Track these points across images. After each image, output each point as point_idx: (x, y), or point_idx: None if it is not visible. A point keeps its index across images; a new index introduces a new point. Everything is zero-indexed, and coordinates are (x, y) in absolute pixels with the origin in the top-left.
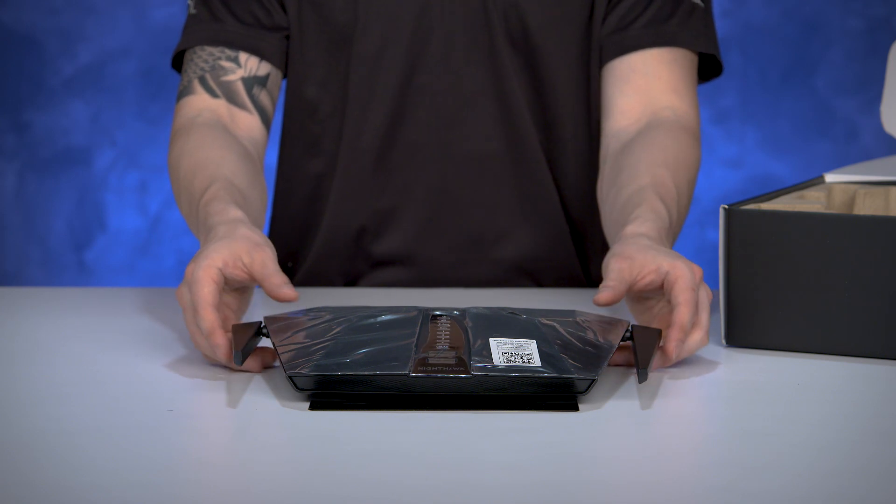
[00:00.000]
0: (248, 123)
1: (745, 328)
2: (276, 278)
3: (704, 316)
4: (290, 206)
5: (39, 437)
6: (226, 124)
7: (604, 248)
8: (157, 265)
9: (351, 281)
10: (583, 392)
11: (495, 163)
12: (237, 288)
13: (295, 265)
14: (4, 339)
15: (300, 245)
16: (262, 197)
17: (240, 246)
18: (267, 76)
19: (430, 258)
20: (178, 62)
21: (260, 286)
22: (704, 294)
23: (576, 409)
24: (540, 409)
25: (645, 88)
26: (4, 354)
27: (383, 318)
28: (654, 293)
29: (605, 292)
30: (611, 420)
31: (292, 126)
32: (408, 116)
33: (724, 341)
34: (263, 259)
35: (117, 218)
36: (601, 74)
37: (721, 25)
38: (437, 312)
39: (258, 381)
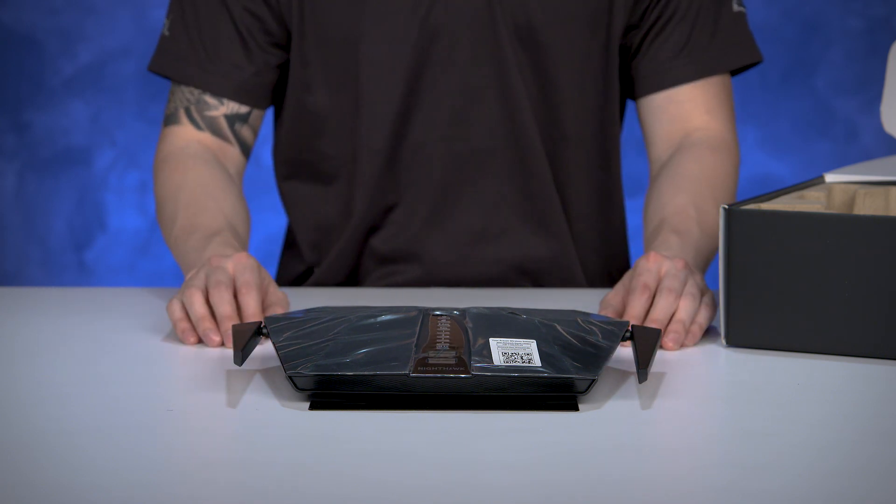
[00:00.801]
0: (230, 154)
1: (745, 328)
2: (276, 308)
3: (667, 281)
4: (308, 215)
5: (39, 437)
6: (217, 156)
7: (605, 247)
8: (157, 265)
9: (358, 278)
10: (583, 392)
11: (498, 160)
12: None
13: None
14: (4, 339)
15: (319, 247)
16: (248, 227)
17: (271, 279)
18: (249, 112)
19: (432, 255)
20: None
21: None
22: (665, 267)
23: (576, 409)
24: (540, 409)
25: (681, 114)
26: (4, 354)
27: (383, 318)
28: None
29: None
30: (611, 420)
31: (299, 134)
32: (414, 115)
33: (724, 341)
34: (283, 298)
35: (117, 218)
36: (638, 103)
37: None
38: (437, 312)
39: (258, 381)
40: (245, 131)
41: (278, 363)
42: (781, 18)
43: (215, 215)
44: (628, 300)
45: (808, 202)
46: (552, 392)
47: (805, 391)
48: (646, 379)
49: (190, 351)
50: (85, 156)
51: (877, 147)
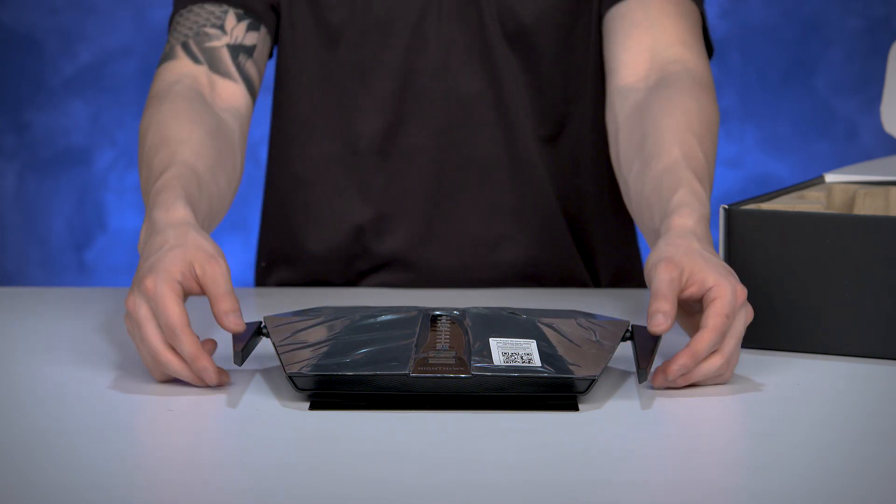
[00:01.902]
0: (230, 92)
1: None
2: (225, 303)
3: (731, 343)
4: (282, 208)
5: (39, 437)
6: (204, 94)
7: (608, 250)
8: None
9: (350, 283)
10: (583, 392)
11: (493, 166)
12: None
13: (270, 266)
14: (4, 339)
15: (293, 249)
16: (231, 176)
17: (193, 256)
18: (253, 47)
19: (429, 262)
20: None
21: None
22: (742, 321)
23: (576, 409)
24: (540, 409)
25: (650, 41)
26: (4, 354)
27: (383, 318)
28: (696, 305)
29: (658, 318)
30: (611, 420)
31: (282, 130)
32: (406, 121)
33: None
34: (215, 275)
35: (117, 218)
36: (602, 28)
37: (720, 25)
38: (437, 312)
39: (258, 381)
40: (249, 66)
41: (278, 363)
42: (781, 18)
43: (166, 155)
44: (701, 333)
45: (808, 202)
46: (552, 392)
47: (805, 391)
48: (646, 379)
49: None
50: (85, 156)
51: (877, 147)
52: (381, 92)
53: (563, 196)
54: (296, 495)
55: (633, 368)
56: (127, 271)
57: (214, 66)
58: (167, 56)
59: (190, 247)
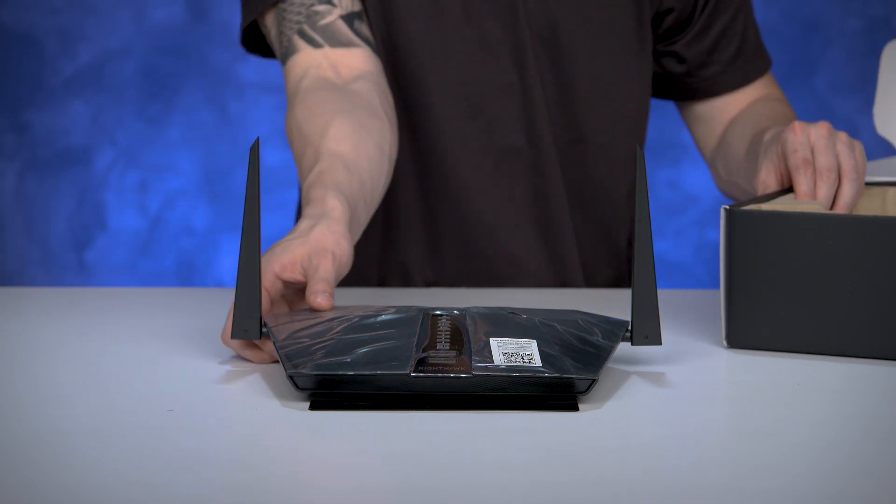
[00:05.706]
0: (357, 60)
1: (745, 328)
2: (317, 284)
3: (823, 160)
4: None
5: (39, 437)
6: (330, 78)
7: (601, 267)
8: (157, 265)
9: (382, 275)
10: (583, 392)
11: (510, 158)
12: (301, 287)
13: None
14: (4, 339)
15: None
16: (380, 139)
17: (303, 251)
18: (363, 10)
19: (436, 248)
20: (247, 40)
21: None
22: (814, 136)
23: (576, 409)
24: (540, 409)
25: (721, 112)
26: (4, 354)
27: (384, 317)
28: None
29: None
30: (611, 420)
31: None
32: (427, 108)
33: (724, 341)
34: (318, 266)
35: (117, 218)
36: (679, 105)
37: None
38: (438, 312)
39: (258, 381)
40: (365, 30)
41: (278, 363)
42: (781, 18)
43: (311, 155)
44: (794, 180)
45: (809, 202)
46: (552, 392)
47: (805, 391)
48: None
49: (190, 351)
50: (85, 156)
51: (877, 147)
52: (405, 80)
53: (574, 200)
54: (296, 495)
55: (633, 368)
56: (127, 271)
57: (335, 42)
58: (288, 51)
59: (308, 241)
